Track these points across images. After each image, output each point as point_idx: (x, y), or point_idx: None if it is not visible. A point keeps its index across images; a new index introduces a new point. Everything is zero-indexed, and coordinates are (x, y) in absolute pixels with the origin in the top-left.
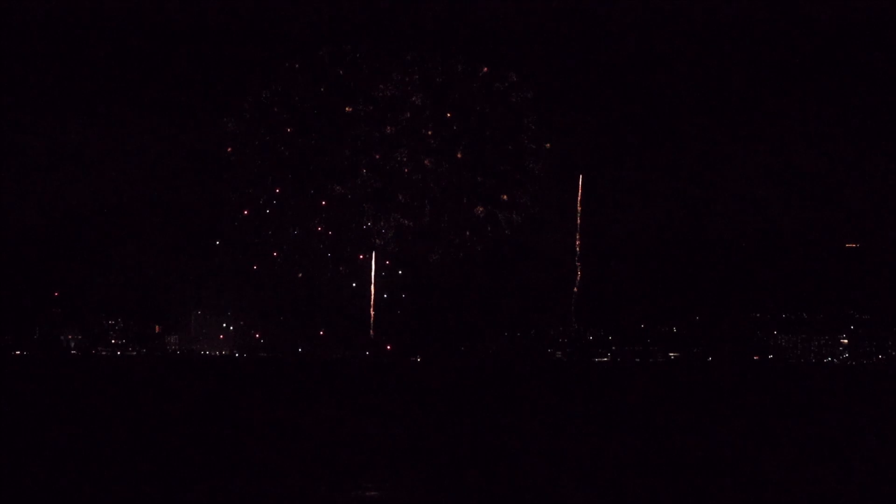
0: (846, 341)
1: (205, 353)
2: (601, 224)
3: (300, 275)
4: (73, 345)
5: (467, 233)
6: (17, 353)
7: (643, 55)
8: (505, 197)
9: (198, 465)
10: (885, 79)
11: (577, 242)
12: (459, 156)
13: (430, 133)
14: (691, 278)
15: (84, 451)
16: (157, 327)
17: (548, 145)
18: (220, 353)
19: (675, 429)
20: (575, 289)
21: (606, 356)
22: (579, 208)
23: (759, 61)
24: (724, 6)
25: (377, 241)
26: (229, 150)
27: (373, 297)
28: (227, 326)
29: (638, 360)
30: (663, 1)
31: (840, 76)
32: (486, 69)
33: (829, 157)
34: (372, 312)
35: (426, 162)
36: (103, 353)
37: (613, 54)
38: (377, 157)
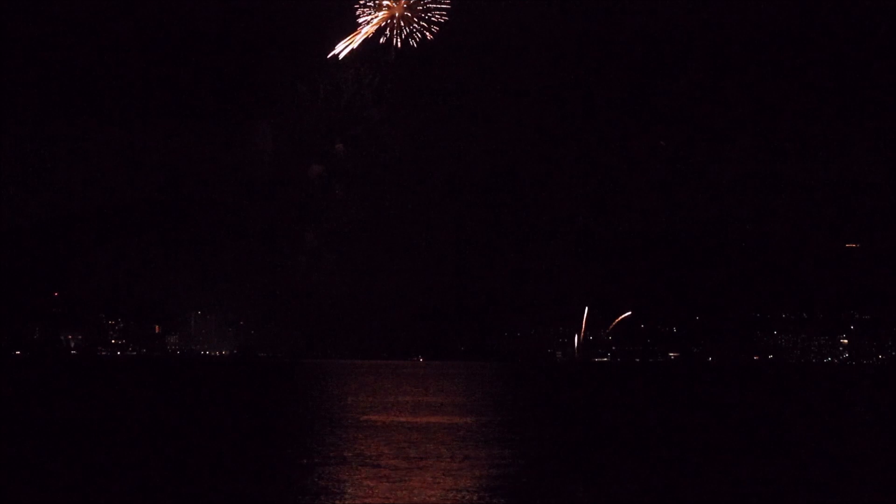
0: (846, 341)
1: (205, 353)
2: (602, 225)
3: None
4: (73, 345)
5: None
6: (17, 353)
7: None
8: None
9: (199, 464)
10: (885, 81)
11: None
12: None
13: None
14: (691, 278)
15: (84, 450)
16: (157, 327)
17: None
18: (220, 353)
19: (675, 428)
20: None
21: (606, 356)
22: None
23: (755, 65)
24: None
25: None
26: None
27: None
28: (227, 327)
29: (638, 360)
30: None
31: (838, 79)
32: None
33: (829, 158)
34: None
35: None
36: (103, 353)
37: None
38: None
